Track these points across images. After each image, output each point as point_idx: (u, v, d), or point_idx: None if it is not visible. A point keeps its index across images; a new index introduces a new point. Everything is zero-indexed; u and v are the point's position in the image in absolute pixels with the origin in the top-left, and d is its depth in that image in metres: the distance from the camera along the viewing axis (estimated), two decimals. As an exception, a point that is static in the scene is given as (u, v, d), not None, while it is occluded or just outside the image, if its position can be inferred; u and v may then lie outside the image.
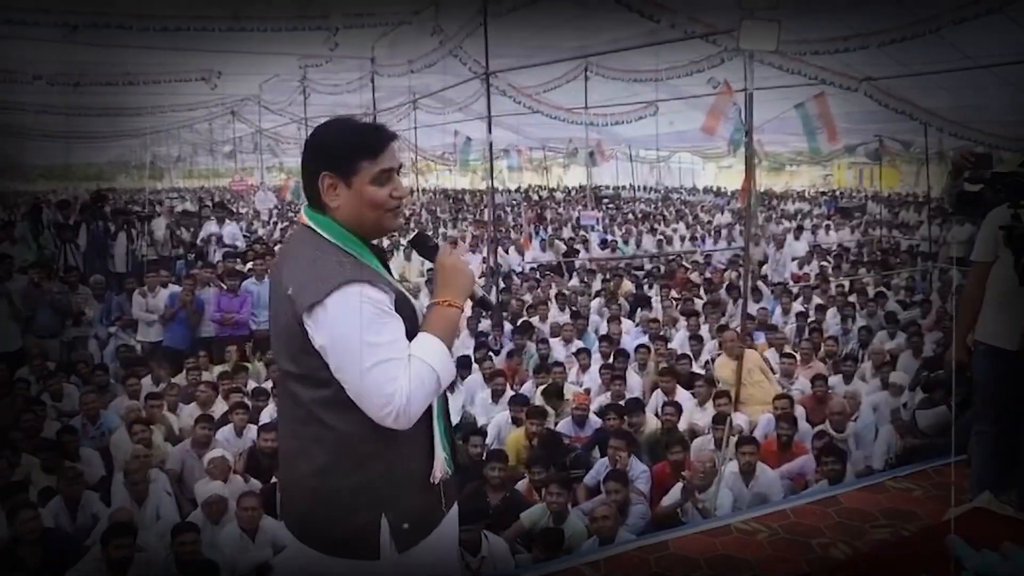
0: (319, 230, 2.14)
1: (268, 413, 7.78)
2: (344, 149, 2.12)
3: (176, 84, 13.86)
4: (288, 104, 18.78)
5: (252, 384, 8.63)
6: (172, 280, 9.74)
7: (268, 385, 8.42)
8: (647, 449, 7.05)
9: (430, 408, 2.17)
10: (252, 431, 7.26)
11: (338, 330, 1.99)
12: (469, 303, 2.38)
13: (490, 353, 9.74)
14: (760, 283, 12.79)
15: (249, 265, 10.37)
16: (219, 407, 7.90)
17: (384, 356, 1.99)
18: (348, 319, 1.99)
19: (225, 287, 9.67)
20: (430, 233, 18.87)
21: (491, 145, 11.02)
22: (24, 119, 20.30)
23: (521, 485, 6.27)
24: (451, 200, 29.96)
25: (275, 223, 22.35)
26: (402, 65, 12.46)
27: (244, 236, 14.15)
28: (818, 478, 6.00)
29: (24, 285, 9.22)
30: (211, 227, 11.13)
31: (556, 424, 7.53)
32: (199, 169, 41.10)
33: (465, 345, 10.13)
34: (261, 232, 20.50)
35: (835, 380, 8.72)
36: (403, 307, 2.13)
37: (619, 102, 14.64)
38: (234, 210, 18.13)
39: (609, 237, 18.06)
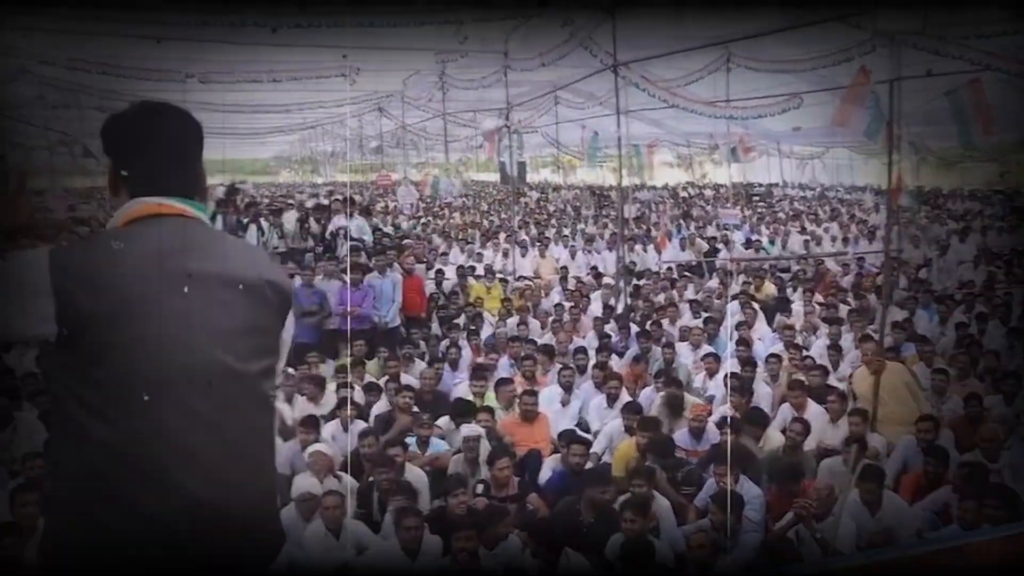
0: (206, 219, 2.05)
1: (378, 408, 7.76)
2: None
3: (317, 80, 14.18)
4: (429, 100, 18.95)
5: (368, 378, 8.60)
6: (299, 272, 9.91)
7: (383, 380, 8.41)
8: (767, 469, 6.49)
9: None
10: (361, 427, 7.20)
11: None
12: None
13: (613, 356, 9.42)
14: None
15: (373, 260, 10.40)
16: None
17: None
18: None
19: (348, 280, 9.75)
20: (567, 232, 18.63)
21: (620, 140, 10.63)
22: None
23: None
24: (597, 196, 29.60)
25: (418, 217, 22.71)
26: (534, 59, 12.21)
27: (379, 230, 14.34)
28: (970, 518, 5.15)
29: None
30: (339, 220, 11.28)
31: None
32: (355, 164, 42.44)
33: (590, 345, 9.83)
34: (405, 226, 20.89)
35: (994, 400, 7.83)
36: None
37: (763, 94, 13.87)
38: (368, 205, 18.48)
39: (753, 236, 17.24)
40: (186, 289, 1.86)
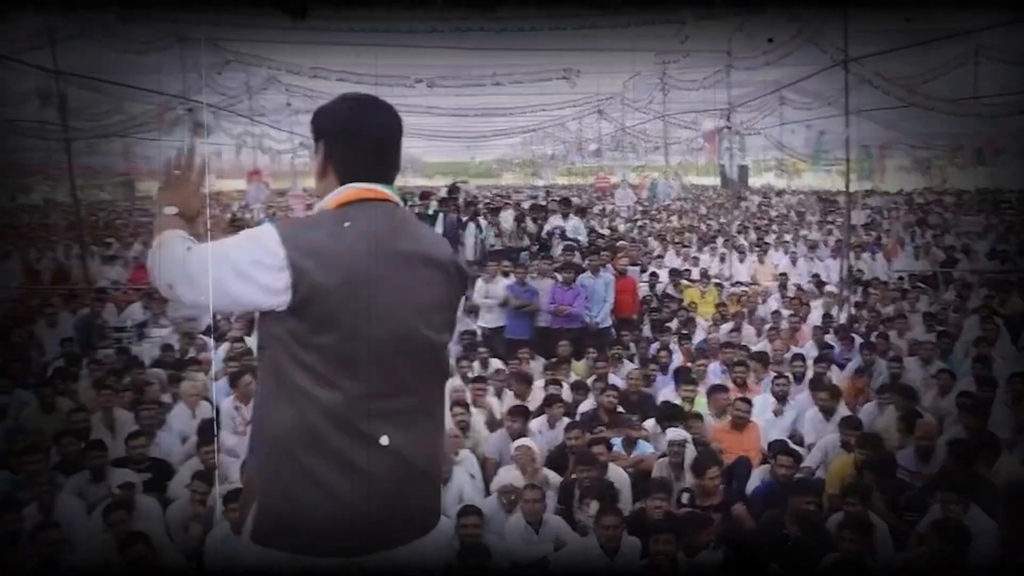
0: (401, 204, 2.20)
1: (584, 407, 7.79)
2: None
3: (539, 83, 14.48)
4: (649, 101, 18.81)
5: (574, 377, 8.67)
6: (513, 270, 10.14)
7: (591, 380, 8.45)
8: (1005, 499, 5.90)
9: None
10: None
11: None
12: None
13: (833, 367, 8.95)
14: None
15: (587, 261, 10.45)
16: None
17: None
18: None
19: (560, 280, 9.85)
20: (789, 238, 17.91)
21: (849, 141, 10.06)
22: (417, 120, 22.60)
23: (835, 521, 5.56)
24: (823, 202, 28.23)
25: (634, 220, 22.59)
26: (758, 57, 11.79)
27: (595, 231, 14.43)
28: None
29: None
30: (556, 220, 11.43)
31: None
32: (574, 167, 42.88)
33: (808, 355, 9.39)
34: (621, 228, 20.85)
35: None
36: None
37: (1019, 90, 12.60)
38: (585, 206, 18.54)
39: (1000, 246, 15.76)
40: (396, 267, 2.07)
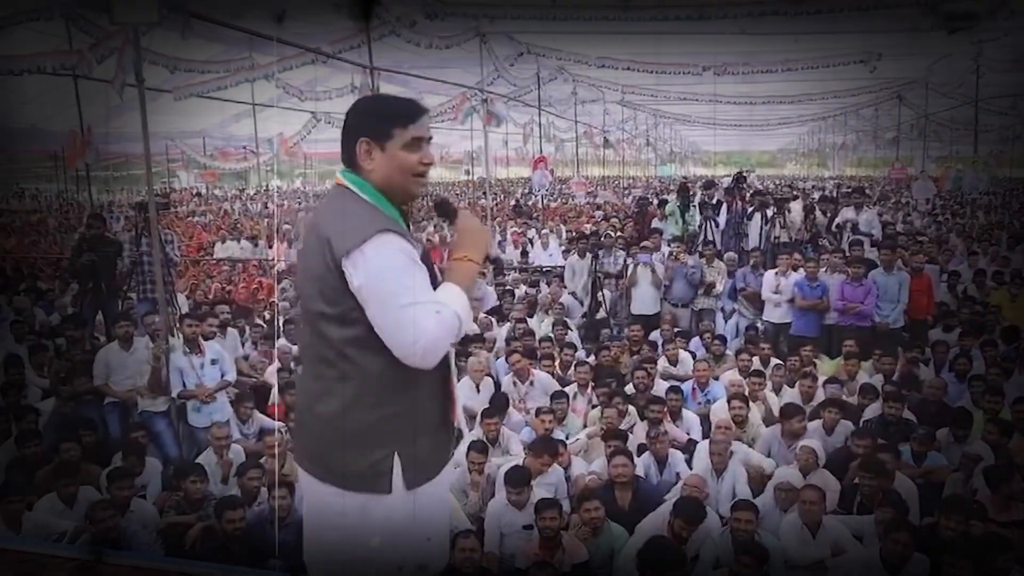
0: (354, 188, 2.35)
1: (871, 411, 7.36)
2: (380, 116, 2.37)
3: (835, 68, 13.72)
4: (958, 86, 17.23)
5: (864, 378, 8.21)
6: (803, 264, 9.73)
7: (878, 380, 7.98)
8: None
9: (448, 354, 2.32)
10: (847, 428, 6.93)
11: (374, 273, 2.19)
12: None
13: None
14: None
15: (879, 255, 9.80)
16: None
17: (413, 299, 2.19)
18: (383, 264, 2.20)
19: (850, 275, 9.34)
20: None
21: None
22: (700, 108, 22.27)
23: None
24: None
25: (934, 215, 20.87)
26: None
27: (891, 225, 13.53)
28: None
29: (664, 257, 10.17)
30: (848, 213, 10.80)
31: None
32: (866, 157, 40.29)
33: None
34: (918, 223, 19.34)
35: None
36: (425, 261, 2.31)
37: None
38: (880, 199, 17.31)
39: None
40: (306, 240, 2.36)
